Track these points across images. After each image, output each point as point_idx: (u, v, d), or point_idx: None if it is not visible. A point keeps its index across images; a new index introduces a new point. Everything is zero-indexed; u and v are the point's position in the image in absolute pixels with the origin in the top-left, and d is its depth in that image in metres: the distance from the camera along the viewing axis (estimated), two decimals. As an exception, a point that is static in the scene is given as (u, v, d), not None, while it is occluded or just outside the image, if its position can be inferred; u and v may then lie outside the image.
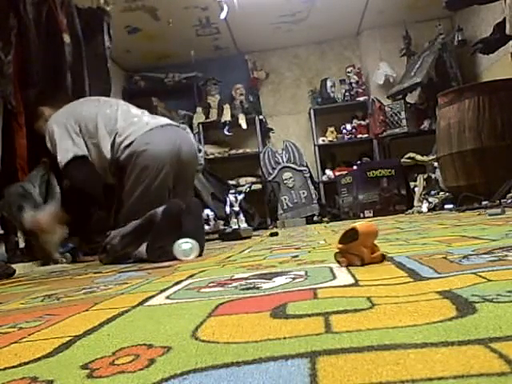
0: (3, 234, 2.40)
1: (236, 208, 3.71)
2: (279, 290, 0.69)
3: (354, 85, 5.61)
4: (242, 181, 5.42)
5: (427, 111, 5.06)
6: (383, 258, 0.87)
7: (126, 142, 2.05)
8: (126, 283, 1.05)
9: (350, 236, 0.84)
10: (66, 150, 2.08)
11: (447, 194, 3.65)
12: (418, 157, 4.73)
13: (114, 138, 2.08)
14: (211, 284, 0.85)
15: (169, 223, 1.82)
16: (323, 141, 5.61)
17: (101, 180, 2.14)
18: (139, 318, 0.62)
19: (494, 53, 3.58)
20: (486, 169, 3.17)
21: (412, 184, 4.43)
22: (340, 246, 0.87)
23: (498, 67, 4.33)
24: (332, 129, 5.64)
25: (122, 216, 2.02)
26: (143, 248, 1.86)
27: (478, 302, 0.47)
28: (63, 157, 2.06)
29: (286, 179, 5.47)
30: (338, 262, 0.88)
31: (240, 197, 3.79)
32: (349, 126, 5.57)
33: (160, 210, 1.85)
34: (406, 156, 4.82)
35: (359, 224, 0.83)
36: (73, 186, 2.15)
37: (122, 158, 2.04)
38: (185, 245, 1.73)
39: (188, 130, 2.49)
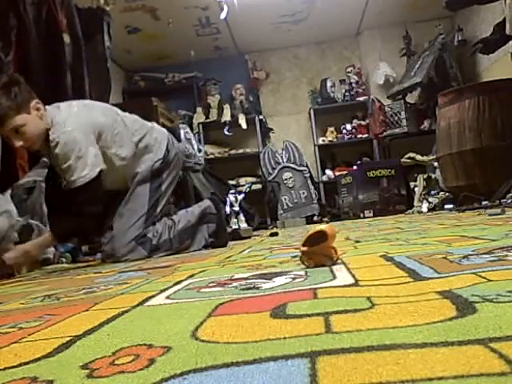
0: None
1: (236, 208, 3.71)
2: (279, 289, 0.69)
3: (354, 85, 5.61)
4: (242, 181, 5.42)
5: (427, 111, 5.06)
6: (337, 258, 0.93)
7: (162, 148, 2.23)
8: (126, 283, 1.05)
9: (315, 238, 0.87)
10: (94, 164, 1.96)
11: (447, 194, 3.65)
12: (418, 157, 4.73)
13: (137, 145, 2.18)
14: (211, 284, 0.85)
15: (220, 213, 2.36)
16: (323, 141, 5.61)
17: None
18: (139, 317, 0.62)
19: (494, 53, 3.58)
20: (486, 169, 3.17)
21: (412, 184, 4.43)
22: (305, 248, 0.89)
23: (497, 67, 4.33)
24: (332, 129, 5.64)
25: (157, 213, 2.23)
26: (201, 238, 2.27)
27: (478, 302, 0.47)
28: (91, 171, 1.94)
29: (286, 179, 5.47)
30: (305, 264, 0.90)
31: (240, 197, 3.79)
32: (349, 126, 5.57)
33: (208, 203, 2.35)
34: (406, 156, 4.83)
35: (325, 227, 0.87)
36: (83, 199, 1.96)
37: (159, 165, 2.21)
38: None
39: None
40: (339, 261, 0.94)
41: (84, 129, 1.96)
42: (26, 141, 1.87)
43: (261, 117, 5.58)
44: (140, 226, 2.12)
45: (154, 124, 2.32)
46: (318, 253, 0.88)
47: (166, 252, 2.15)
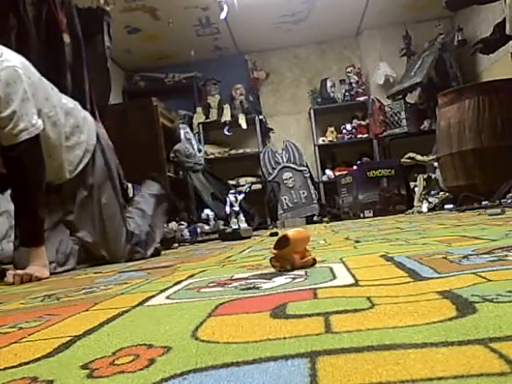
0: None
1: (236, 208, 3.71)
2: (279, 290, 0.69)
3: (354, 85, 5.61)
4: (242, 181, 5.42)
5: (427, 111, 5.06)
6: (314, 261, 0.93)
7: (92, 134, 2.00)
8: (126, 283, 1.05)
9: (283, 242, 0.89)
10: (32, 114, 1.55)
11: (447, 194, 3.65)
12: (418, 157, 4.73)
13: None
14: (211, 284, 0.85)
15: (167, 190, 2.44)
16: (323, 141, 5.61)
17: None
18: (139, 317, 0.62)
19: (494, 53, 3.58)
20: (486, 169, 3.17)
21: (412, 184, 4.43)
22: (274, 251, 0.91)
23: (497, 67, 4.33)
24: (332, 129, 5.64)
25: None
26: (161, 220, 2.31)
27: (477, 302, 0.47)
28: (39, 121, 1.58)
29: (286, 179, 5.47)
30: (273, 266, 0.93)
31: (240, 197, 3.78)
32: (349, 126, 5.57)
33: (156, 185, 2.36)
34: (406, 156, 4.82)
35: (291, 232, 0.89)
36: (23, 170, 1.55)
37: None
38: None
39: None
40: (317, 264, 0.95)
41: (24, 68, 1.59)
42: None
43: (261, 117, 5.58)
44: (122, 225, 2.04)
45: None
46: (281, 256, 0.90)
47: (152, 244, 2.12)
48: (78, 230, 1.93)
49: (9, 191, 2.20)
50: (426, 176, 4.20)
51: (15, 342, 0.54)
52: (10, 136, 1.51)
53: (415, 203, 4.11)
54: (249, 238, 3.04)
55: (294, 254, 0.89)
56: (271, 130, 5.76)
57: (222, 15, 4.38)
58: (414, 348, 0.36)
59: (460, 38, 4.93)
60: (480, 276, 0.61)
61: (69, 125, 1.86)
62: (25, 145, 1.54)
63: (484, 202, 2.82)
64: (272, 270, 0.95)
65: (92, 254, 1.97)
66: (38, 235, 1.59)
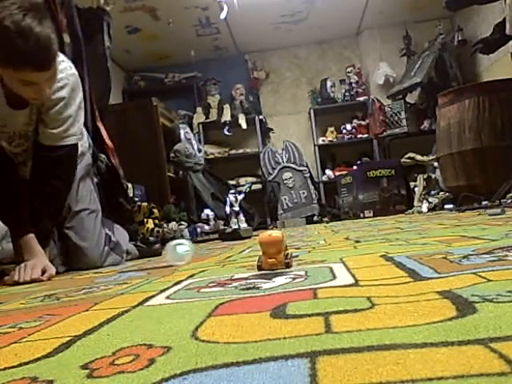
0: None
1: (236, 208, 3.71)
2: (279, 289, 0.69)
3: (354, 85, 5.61)
4: (242, 181, 5.42)
5: (427, 111, 5.06)
6: (287, 265, 0.94)
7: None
8: (126, 283, 1.05)
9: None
10: (82, 123, 1.64)
11: (447, 194, 3.65)
12: (418, 157, 4.73)
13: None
14: (211, 284, 0.85)
15: None
16: (323, 141, 5.61)
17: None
18: (139, 317, 0.62)
19: (494, 53, 3.58)
20: (486, 169, 3.17)
21: (412, 184, 4.43)
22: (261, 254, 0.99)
23: (497, 67, 4.33)
24: (332, 129, 5.64)
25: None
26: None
27: (477, 302, 0.47)
28: (77, 132, 1.61)
29: (286, 179, 5.47)
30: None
31: (240, 197, 3.78)
32: (349, 126, 5.57)
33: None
34: (406, 156, 4.82)
35: (262, 235, 0.95)
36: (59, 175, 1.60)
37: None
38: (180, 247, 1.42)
39: None
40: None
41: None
42: (49, 92, 1.41)
43: (261, 117, 5.58)
44: (101, 225, 1.89)
45: None
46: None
47: (124, 252, 1.99)
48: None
49: None
50: (426, 176, 4.20)
51: (15, 342, 0.54)
52: (58, 137, 1.55)
53: (415, 203, 4.11)
54: (249, 237, 3.04)
55: (262, 255, 0.96)
56: (271, 129, 5.76)
57: (222, 15, 4.38)
58: (414, 348, 0.36)
59: (460, 38, 4.93)
60: (480, 276, 0.61)
61: None
62: (70, 148, 1.59)
63: (484, 202, 2.81)
64: (272, 270, 0.96)
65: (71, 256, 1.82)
66: (50, 237, 1.62)
